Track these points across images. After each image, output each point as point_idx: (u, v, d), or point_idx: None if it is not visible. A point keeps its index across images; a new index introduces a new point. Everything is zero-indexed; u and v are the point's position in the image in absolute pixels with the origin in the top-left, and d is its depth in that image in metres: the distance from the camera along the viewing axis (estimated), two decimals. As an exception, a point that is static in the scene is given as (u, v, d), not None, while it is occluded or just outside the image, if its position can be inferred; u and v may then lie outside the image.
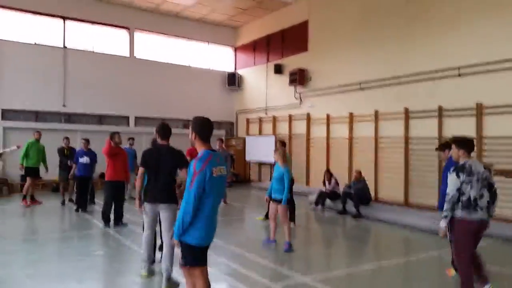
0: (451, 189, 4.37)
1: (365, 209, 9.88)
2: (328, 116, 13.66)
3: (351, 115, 12.83)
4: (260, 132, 17.05)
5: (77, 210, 9.89)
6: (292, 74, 14.67)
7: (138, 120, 16.43)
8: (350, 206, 10.04)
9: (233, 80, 18.35)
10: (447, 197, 4.37)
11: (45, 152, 11.12)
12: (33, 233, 7.88)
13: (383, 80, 11.75)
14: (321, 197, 10.57)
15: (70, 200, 11.18)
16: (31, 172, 10.73)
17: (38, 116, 14.73)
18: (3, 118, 14.06)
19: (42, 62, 14.61)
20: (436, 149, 5.73)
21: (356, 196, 9.87)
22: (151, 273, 5.23)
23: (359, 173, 10.29)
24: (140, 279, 5.13)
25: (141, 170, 5.22)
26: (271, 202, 6.85)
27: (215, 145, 11.02)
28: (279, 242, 6.90)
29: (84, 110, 15.45)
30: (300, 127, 14.93)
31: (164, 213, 5.03)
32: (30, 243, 7.05)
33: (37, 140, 10.99)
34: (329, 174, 10.84)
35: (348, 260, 6.57)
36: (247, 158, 17.34)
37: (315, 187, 13.46)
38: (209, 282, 3.37)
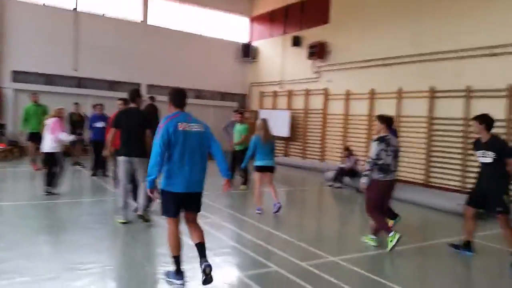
0: None
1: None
2: (347, 92, 13.21)
3: (372, 92, 12.37)
4: (274, 106, 16.65)
5: (93, 175, 9.71)
6: (311, 47, 14.12)
7: (150, 87, 16.05)
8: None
9: (247, 52, 17.81)
10: None
11: (47, 113, 10.35)
12: (44, 197, 7.64)
13: (408, 56, 11.23)
14: (340, 174, 10.26)
15: (77, 163, 11.22)
16: (31, 136, 10.39)
17: (48, 79, 14.40)
18: (14, 80, 13.74)
19: (52, 24, 14.16)
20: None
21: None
22: (127, 219, 5.92)
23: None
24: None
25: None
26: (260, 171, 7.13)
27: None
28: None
29: (95, 75, 15.09)
30: (316, 103, 14.51)
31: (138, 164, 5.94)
32: (42, 208, 6.83)
33: (35, 103, 10.53)
34: (348, 151, 10.51)
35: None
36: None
37: (330, 164, 13.20)
38: (178, 234, 3.89)
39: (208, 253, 3.89)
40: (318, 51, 13.89)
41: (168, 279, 3.95)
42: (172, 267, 3.96)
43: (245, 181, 9.43)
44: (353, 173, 10.20)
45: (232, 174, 8.92)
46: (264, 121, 7.20)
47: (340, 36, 13.61)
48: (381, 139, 5.33)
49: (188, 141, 3.82)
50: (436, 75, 10.57)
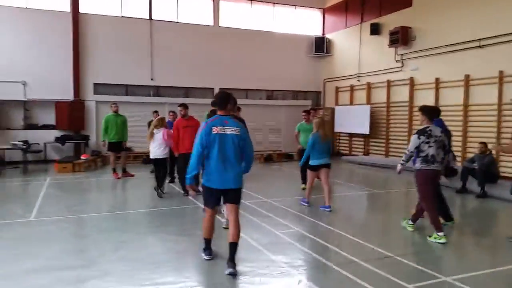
0: None
1: (491, 188, 8.26)
2: (437, 80, 11.81)
3: (467, 78, 10.90)
4: (352, 102, 15.58)
5: (171, 182, 9.65)
6: (392, 33, 12.90)
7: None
8: (471, 184, 8.47)
9: (321, 46, 16.95)
10: None
11: (126, 124, 10.72)
12: (123, 208, 7.55)
13: (510, 35, 9.67)
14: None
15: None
16: (111, 146, 10.55)
17: (127, 89, 14.82)
18: (95, 93, 14.31)
19: (129, 35, 14.56)
20: None
21: (481, 173, 8.24)
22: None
23: (485, 145, 8.58)
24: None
25: None
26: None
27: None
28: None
29: (171, 83, 15.27)
30: (400, 94, 13.24)
31: None
32: (121, 219, 6.67)
33: (115, 113, 10.60)
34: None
35: (486, 256, 5.20)
36: (336, 129, 16.03)
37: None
38: (212, 222, 4.57)
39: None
40: (401, 38, 12.64)
41: (200, 253, 4.69)
42: (203, 245, 4.67)
43: (304, 179, 8.72)
44: (449, 171, 8.91)
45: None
46: (322, 119, 7.38)
47: (426, 19, 12.25)
48: (420, 132, 5.42)
49: (222, 143, 4.23)
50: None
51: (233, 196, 4.35)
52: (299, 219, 6.48)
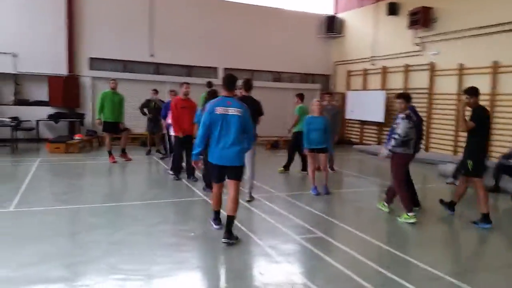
0: None
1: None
2: (461, 66, 10.92)
3: (495, 65, 10.02)
4: (365, 87, 14.69)
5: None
6: (413, 14, 11.91)
7: (227, 71, 14.93)
8: (506, 182, 7.67)
9: (332, 26, 15.92)
10: None
11: (122, 104, 9.78)
12: (118, 198, 6.76)
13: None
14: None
15: (158, 151, 10.92)
16: (107, 127, 9.59)
17: (125, 66, 13.90)
18: (91, 68, 13.39)
19: (129, 7, 13.56)
20: None
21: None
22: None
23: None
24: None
25: None
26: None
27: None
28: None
29: (172, 61, 14.33)
30: (419, 80, 12.34)
31: None
32: (114, 212, 5.89)
33: (113, 91, 9.62)
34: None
35: None
36: (347, 116, 15.18)
37: (438, 155, 11.14)
38: (219, 196, 4.83)
39: None
40: (422, 19, 11.67)
41: (210, 222, 5.05)
42: (212, 216, 5.02)
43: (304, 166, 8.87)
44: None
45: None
46: (319, 102, 7.49)
47: (448, 0, 11.28)
48: (407, 117, 5.61)
49: (224, 123, 4.46)
50: None
51: (234, 173, 4.61)
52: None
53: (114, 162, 9.57)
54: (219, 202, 4.89)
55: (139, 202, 6.29)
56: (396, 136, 5.56)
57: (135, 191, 7.21)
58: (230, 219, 4.56)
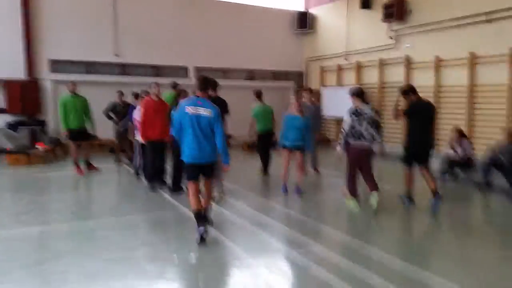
0: None
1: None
2: (437, 59, 10.80)
3: (472, 56, 9.92)
4: (340, 83, 14.44)
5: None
6: (387, 7, 11.70)
7: (199, 71, 14.33)
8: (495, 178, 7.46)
9: (303, 22, 15.58)
10: None
11: (87, 106, 8.99)
12: (88, 216, 6.11)
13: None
14: (450, 165, 8.06)
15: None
16: (71, 135, 8.80)
17: (89, 67, 13.03)
18: (52, 70, 12.46)
19: (90, 5, 12.70)
20: None
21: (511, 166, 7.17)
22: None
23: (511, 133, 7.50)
24: None
25: None
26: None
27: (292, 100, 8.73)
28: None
29: (139, 60, 13.56)
30: (395, 75, 12.16)
31: None
32: (84, 234, 5.26)
33: (74, 94, 8.83)
34: (459, 134, 8.23)
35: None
36: (324, 113, 14.86)
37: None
38: (196, 195, 4.80)
39: None
40: (397, 11, 11.47)
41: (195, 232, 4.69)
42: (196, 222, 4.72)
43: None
44: (467, 163, 7.98)
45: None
46: (298, 101, 7.22)
47: (424, -9, 11.15)
48: (352, 111, 5.99)
49: (194, 123, 4.61)
50: None
51: (206, 171, 4.85)
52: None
53: (82, 174, 8.84)
54: (195, 200, 4.77)
55: (113, 219, 5.70)
56: (342, 130, 6.11)
57: (107, 207, 6.56)
58: (204, 209, 4.82)
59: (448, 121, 10.20)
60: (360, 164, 6.02)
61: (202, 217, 4.68)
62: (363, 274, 3.81)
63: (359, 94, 6.11)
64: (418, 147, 6.14)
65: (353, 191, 6.06)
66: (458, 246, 4.84)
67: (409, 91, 6.24)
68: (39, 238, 5.02)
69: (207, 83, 4.90)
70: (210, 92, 5.82)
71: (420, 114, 6.08)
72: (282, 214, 6.14)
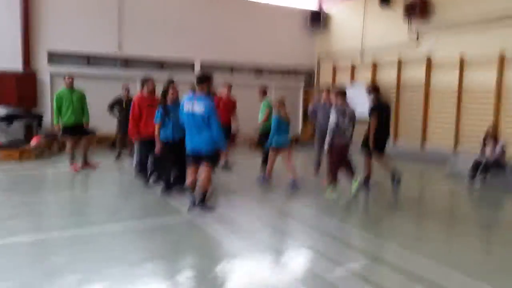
0: None
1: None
2: (461, 59, 10.14)
3: (501, 57, 9.27)
4: (353, 81, 13.75)
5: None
6: (409, 5, 11.04)
7: (205, 65, 13.66)
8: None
9: (317, 20, 14.89)
10: None
11: (84, 101, 8.40)
12: (84, 222, 5.39)
13: None
14: (482, 168, 7.43)
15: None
16: (67, 130, 8.23)
17: (89, 60, 12.33)
18: (50, 62, 11.76)
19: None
20: None
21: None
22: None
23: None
24: None
25: None
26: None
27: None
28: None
29: (143, 54, 12.87)
30: (414, 74, 11.50)
31: None
32: (81, 244, 4.55)
33: (70, 89, 8.26)
34: (494, 135, 7.61)
35: None
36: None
37: (436, 150, 10.44)
38: (193, 179, 5.46)
39: None
40: (420, 9, 10.81)
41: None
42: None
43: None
44: (498, 166, 7.36)
45: None
46: (282, 98, 7.44)
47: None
48: (338, 111, 6.44)
49: (191, 118, 5.21)
50: None
51: (205, 160, 5.31)
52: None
53: (77, 170, 8.17)
54: (192, 182, 5.44)
55: (113, 225, 5.00)
56: (330, 128, 6.48)
57: (106, 210, 5.84)
58: (203, 193, 5.41)
59: (471, 122, 9.57)
60: (343, 156, 6.62)
61: (194, 188, 5.43)
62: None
63: (343, 93, 6.59)
64: (376, 141, 7.00)
65: (334, 178, 6.60)
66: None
67: (371, 90, 7.15)
68: (30, 249, 4.29)
69: (203, 79, 5.26)
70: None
71: (376, 111, 6.99)
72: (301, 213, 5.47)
